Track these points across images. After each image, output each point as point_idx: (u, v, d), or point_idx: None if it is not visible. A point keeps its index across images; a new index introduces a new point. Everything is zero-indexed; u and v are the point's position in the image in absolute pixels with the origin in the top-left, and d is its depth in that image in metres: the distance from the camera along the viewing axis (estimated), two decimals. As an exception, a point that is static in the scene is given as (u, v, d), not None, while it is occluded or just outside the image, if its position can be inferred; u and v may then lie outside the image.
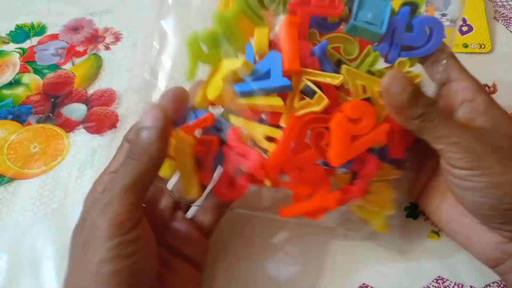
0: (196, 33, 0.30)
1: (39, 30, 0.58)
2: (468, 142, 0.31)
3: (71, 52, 0.55)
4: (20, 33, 0.57)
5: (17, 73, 0.54)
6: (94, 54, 0.55)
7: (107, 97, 0.51)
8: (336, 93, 0.31)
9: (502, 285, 0.37)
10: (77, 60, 0.55)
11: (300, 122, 0.30)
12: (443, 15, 0.56)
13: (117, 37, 0.57)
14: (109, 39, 0.57)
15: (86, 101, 0.51)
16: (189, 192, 0.33)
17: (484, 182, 0.30)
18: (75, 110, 0.50)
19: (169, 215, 0.36)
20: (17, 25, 0.58)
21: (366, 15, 0.31)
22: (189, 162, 0.32)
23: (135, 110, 0.50)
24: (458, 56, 0.36)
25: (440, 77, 0.34)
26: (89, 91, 0.52)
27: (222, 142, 0.33)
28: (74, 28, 0.58)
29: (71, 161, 0.46)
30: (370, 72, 0.32)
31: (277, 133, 0.31)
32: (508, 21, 0.57)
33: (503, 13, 0.58)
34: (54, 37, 0.57)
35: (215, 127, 0.33)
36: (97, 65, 0.54)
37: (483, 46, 0.52)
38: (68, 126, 0.49)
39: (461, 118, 0.33)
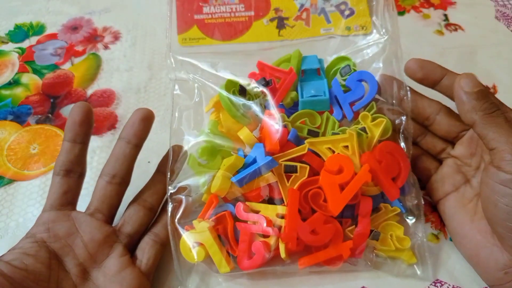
0: (193, 155, 0.38)
1: (38, 29, 0.58)
2: None
3: (70, 52, 0.55)
4: (19, 33, 0.57)
5: (16, 73, 0.53)
6: (93, 53, 0.55)
7: (106, 98, 0.51)
8: (319, 159, 0.37)
9: (500, 288, 0.37)
10: (76, 60, 0.55)
11: (298, 192, 0.36)
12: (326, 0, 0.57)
13: (116, 37, 0.57)
14: (108, 38, 0.57)
15: (86, 101, 0.51)
16: (222, 268, 0.36)
17: None
18: (75, 111, 0.50)
19: (107, 250, 0.36)
20: (16, 25, 0.58)
21: (309, 92, 0.40)
22: (214, 242, 0.36)
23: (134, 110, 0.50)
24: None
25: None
26: (88, 92, 0.52)
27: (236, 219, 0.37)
28: (73, 27, 0.58)
29: (71, 162, 0.46)
30: (335, 133, 0.39)
31: (285, 209, 0.36)
32: (509, 20, 0.57)
33: (504, 13, 0.58)
34: (53, 36, 0.57)
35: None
36: (96, 65, 0.54)
37: (364, 28, 0.53)
38: (68, 127, 0.49)
39: None
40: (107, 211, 0.37)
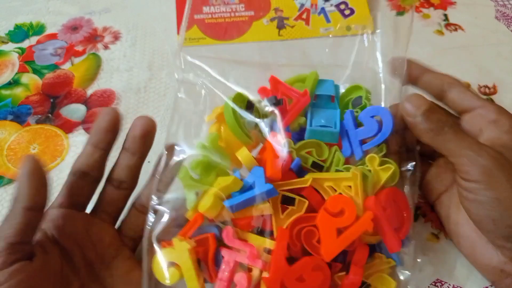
0: (185, 167, 0.34)
1: (38, 29, 0.58)
2: (478, 156, 0.32)
3: (70, 52, 0.55)
4: (19, 33, 0.57)
5: (16, 73, 0.53)
6: (93, 53, 0.55)
7: (106, 97, 0.51)
8: (318, 196, 0.34)
9: (500, 288, 0.37)
10: (76, 60, 0.55)
11: (288, 233, 0.32)
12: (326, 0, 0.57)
13: (116, 37, 0.57)
14: (108, 38, 0.57)
15: (86, 101, 0.51)
16: None
17: (488, 197, 0.32)
18: (75, 111, 0.50)
19: (114, 252, 0.36)
20: (16, 25, 0.58)
21: (319, 121, 0.36)
22: (191, 266, 0.32)
23: (134, 111, 0.50)
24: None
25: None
26: (88, 92, 0.52)
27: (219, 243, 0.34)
28: (73, 27, 0.58)
29: (71, 162, 0.45)
30: (338, 170, 0.35)
31: (273, 245, 0.32)
32: (509, 20, 0.57)
33: (504, 13, 0.58)
34: (53, 36, 0.57)
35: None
36: (96, 65, 0.54)
37: (364, 28, 0.52)
38: (68, 127, 0.49)
39: (487, 138, 0.35)
40: (114, 214, 0.37)
